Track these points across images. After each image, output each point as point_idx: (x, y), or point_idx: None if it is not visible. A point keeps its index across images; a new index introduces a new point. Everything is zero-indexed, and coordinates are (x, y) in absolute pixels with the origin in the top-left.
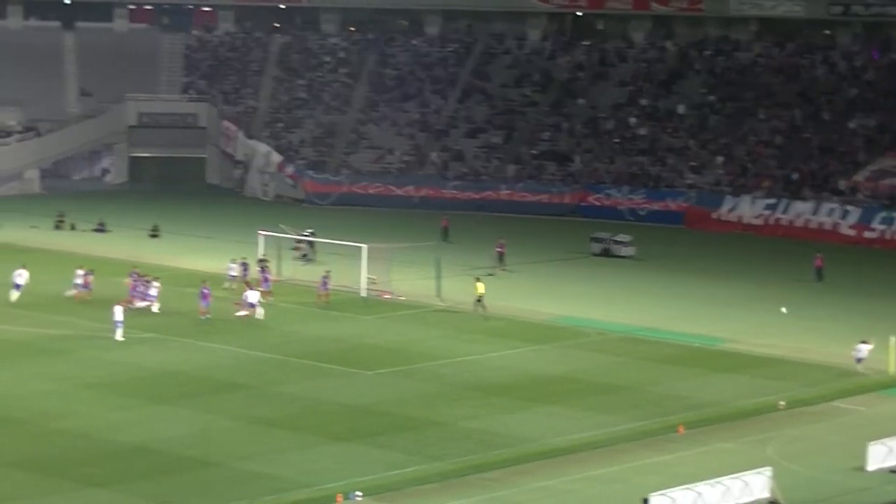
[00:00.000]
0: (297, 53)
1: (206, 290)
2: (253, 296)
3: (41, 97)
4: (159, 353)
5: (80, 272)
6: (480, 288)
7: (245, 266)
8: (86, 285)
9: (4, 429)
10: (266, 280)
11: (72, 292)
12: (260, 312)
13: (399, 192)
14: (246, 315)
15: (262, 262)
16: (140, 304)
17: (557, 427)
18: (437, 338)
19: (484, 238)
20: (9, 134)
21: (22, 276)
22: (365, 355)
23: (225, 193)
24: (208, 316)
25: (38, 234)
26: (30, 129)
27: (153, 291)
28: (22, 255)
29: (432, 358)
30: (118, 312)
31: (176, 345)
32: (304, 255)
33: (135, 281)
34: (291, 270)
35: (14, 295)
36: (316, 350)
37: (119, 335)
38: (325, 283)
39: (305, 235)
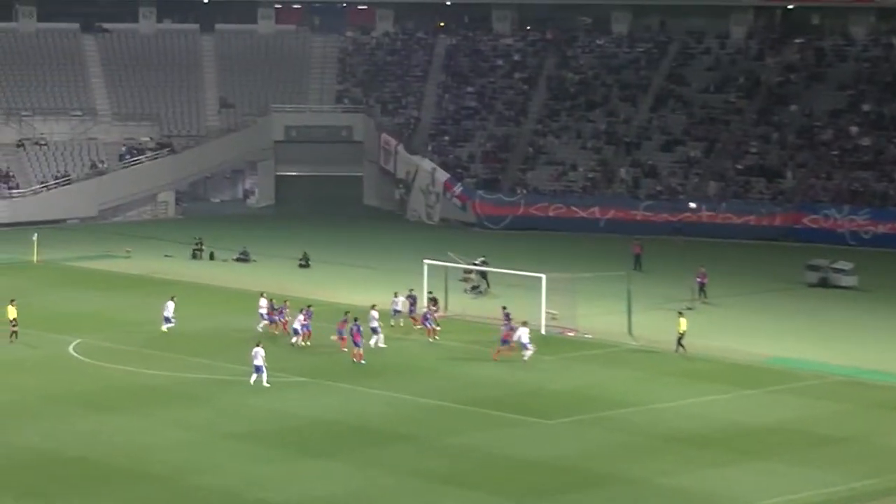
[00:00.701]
0: (466, 56)
1: (358, 329)
2: (524, 333)
3: (176, 109)
4: (311, 400)
5: (264, 302)
6: (682, 324)
7: (413, 300)
8: (270, 316)
9: (141, 485)
10: (426, 318)
11: (263, 323)
12: (528, 353)
13: (583, 214)
14: (508, 351)
15: (431, 297)
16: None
17: (770, 486)
18: (629, 381)
19: (682, 266)
20: (141, 151)
21: (169, 309)
22: (546, 402)
23: (384, 217)
24: (363, 362)
25: (173, 264)
26: (164, 146)
27: (378, 325)
28: (156, 288)
29: (623, 405)
30: (258, 356)
31: (329, 390)
32: (475, 287)
33: (302, 314)
34: (461, 305)
35: (166, 327)
36: (489, 396)
37: (261, 380)
38: (508, 324)
39: (476, 264)
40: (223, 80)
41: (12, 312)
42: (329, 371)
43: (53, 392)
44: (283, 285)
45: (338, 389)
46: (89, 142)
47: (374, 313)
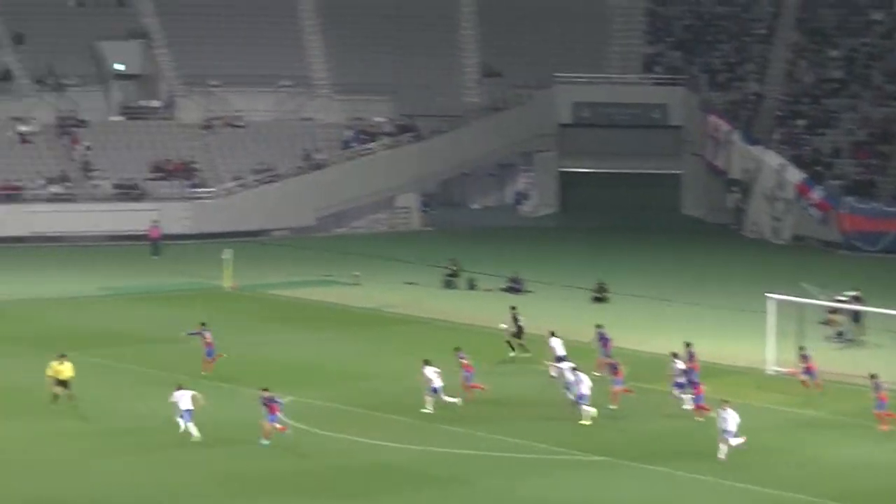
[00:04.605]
0: (829, 7)
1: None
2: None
3: (422, 80)
4: (613, 485)
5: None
6: None
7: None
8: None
9: None
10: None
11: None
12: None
13: None
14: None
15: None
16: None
17: None
18: None
19: None
20: (373, 137)
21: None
22: None
23: (711, 232)
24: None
25: (417, 295)
26: (405, 130)
27: (584, 389)
28: (392, 327)
29: None
30: (183, 400)
31: (640, 475)
32: (841, 334)
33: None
34: (823, 357)
35: (430, 405)
36: (865, 487)
37: (192, 429)
38: (880, 393)
39: (844, 301)
40: (487, 40)
41: (63, 371)
42: (636, 447)
43: (250, 472)
44: (568, 325)
45: (652, 475)
46: (302, 123)
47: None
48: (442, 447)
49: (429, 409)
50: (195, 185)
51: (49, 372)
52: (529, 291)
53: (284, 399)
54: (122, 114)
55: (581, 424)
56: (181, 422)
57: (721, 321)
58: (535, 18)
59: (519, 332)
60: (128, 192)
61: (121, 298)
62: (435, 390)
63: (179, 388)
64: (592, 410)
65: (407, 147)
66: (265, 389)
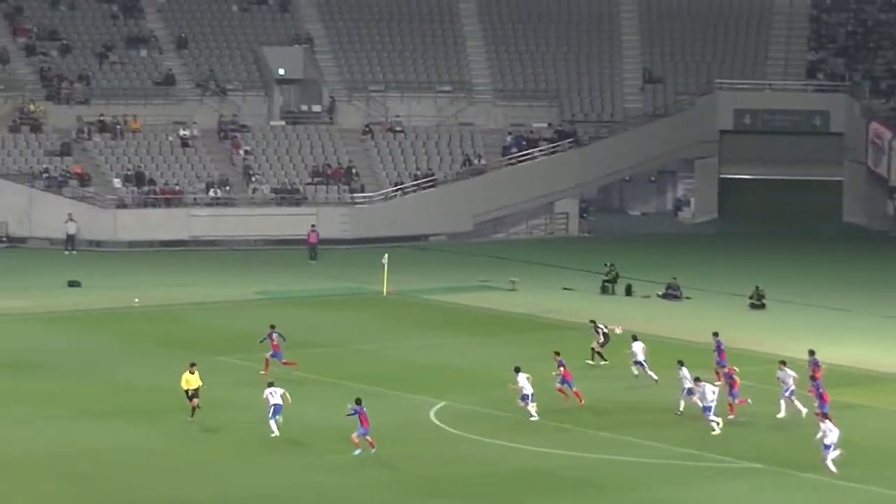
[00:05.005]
0: None
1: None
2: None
3: (583, 85)
4: (763, 495)
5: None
6: None
7: (719, 346)
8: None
9: None
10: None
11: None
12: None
13: None
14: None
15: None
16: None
17: None
18: None
19: None
20: (533, 143)
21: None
22: None
23: (871, 238)
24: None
25: (574, 301)
26: (565, 136)
27: (710, 395)
28: (548, 333)
29: None
30: (274, 396)
31: (792, 482)
32: None
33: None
34: None
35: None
36: None
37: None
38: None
39: None
40: (648, 45)
41: (192, 381)
42: (793, 455)
43: (406, 477)
44: (726, 332)
45: (802, 482)
46: (462, 128)
47: (684, 372)
48: (592, 453)
49: (535, 417)
50: (354, 190)
51: (183, 384)
52: (687, 298)
53: (438, 404)
54: (283, 118)
55: (713, 434)
56: (272, 421)
57: (878, 329)
58: (697, 24)
59: (605, 341)
60: (287, 197)
61: (278, 302)
62: (526, 397)
63: (271, 385)
64: (717, 419)
65: (567, 153)
66: (358, 401)
